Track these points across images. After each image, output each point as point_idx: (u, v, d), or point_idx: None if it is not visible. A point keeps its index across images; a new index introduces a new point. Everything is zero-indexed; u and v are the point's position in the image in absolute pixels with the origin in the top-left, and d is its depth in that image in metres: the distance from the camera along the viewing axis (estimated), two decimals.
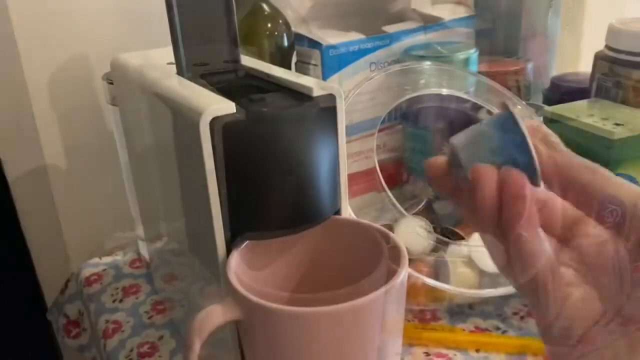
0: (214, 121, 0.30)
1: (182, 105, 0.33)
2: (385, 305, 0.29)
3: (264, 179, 0.32)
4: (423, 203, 0.54)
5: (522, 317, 0.49)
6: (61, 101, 0.71)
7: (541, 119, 0.52)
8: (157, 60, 0.43)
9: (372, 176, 0.64)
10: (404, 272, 0.30)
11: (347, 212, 0.37)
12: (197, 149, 0.31)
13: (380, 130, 0.62)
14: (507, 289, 0.46)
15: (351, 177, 0.54)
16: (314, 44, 0.59)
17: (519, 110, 0.54)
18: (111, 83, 0.51)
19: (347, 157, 0.35)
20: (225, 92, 0.33)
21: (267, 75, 0.38)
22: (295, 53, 0.59)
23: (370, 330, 0.29)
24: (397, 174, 0.66)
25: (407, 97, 0.53)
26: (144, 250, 0.60)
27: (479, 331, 0.48)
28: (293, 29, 0.59)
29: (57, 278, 0.71)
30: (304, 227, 0.33)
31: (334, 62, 0.59)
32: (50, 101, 0.71)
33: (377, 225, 0.34)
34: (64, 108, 0.72)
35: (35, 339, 0.81)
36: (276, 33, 0.57)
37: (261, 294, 0.31)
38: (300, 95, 0.34)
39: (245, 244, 0.33)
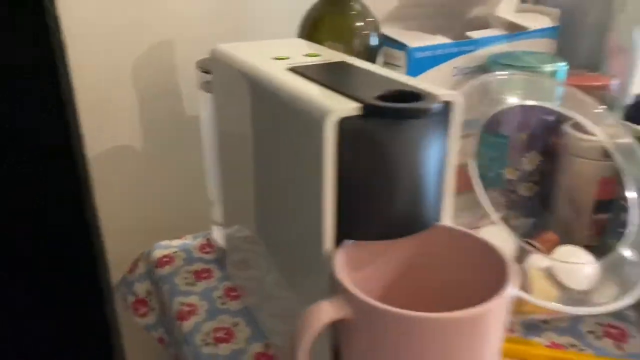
0: (339, 122, 0.30)
1: (302, 102, 0.33)
2: (498, 316, 0.29)
3: (381, 184, 0.31)
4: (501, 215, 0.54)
5: (597, 336, 0.48)
6: (144, 85, 0.73)
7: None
8: (262, 54, 0.43)
9: None
10: (512, 281, 0.30)
11: (447, 219, 0.37)
12: (316, 152, 0.31)
13: None
14: (599, 308, 0.45)
15: None
16: (400, 45, 0.59)
17: (611, 127, 0.53)
18: (205, 72, 0.52)
19: None
20: (339, 89, 0.33)
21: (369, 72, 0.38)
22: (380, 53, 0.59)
23: (485, 340, 0.29)
24: (466, 181, 0.66)
25: (505, 106, 0.52)
26: (218, 234, 0.61)
27: (555, 346, 0.47)
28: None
29: (122, 256, 0.73)
30: (414, 233, 0.34)
31: (419, 64, 0.59)
32: (133, 84, 0.73)
33: (481, 236, 0.34)
34: (147, 93, 0.74)
35: (95, 315, 0.83)
36: (365, 32, 0.57)
37: (367, 293, 0.31)
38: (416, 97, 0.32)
39: (348, 242, 0.34)
